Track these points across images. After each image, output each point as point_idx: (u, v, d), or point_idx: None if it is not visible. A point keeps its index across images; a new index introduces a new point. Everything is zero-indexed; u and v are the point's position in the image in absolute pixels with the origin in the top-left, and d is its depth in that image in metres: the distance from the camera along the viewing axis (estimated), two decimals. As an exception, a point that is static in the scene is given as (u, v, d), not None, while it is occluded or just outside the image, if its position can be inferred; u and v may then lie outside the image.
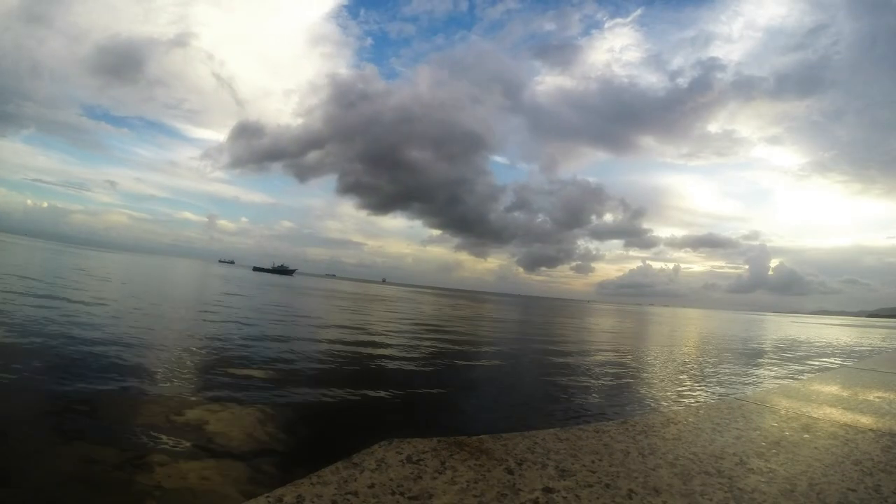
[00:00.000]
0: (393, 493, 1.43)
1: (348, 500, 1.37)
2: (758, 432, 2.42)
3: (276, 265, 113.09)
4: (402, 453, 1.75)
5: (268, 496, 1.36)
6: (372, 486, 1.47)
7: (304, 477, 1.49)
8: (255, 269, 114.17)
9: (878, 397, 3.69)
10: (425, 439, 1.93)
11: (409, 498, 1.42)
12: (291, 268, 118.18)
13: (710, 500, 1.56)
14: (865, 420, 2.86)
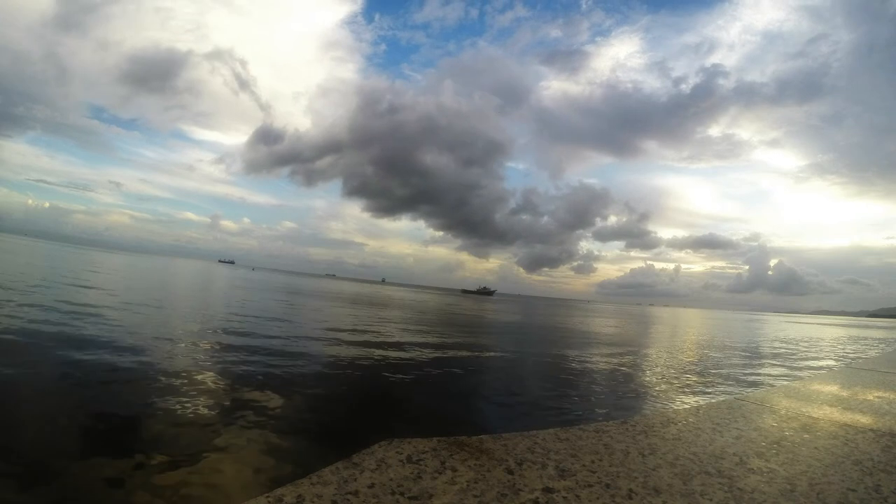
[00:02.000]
0: (393, 493, 1.43)
1: (348, 500, 1.37)
2: (758, 432, 2.42)
3: (480, 287, 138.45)
4: (402, 453, 1.76)
5: (268, 496, 1.36)
6: (372, 486, 1.47)
7: (304, 477, 1.49)
8: (464, 291, 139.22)
9: (878, 397, 3.69)
10: (425, 439, 1.93)
11: (409, 498, 1.42)
12: (492, 289, 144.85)
13: (710, 500, 1.56)
14: (865, 420, 2.86)
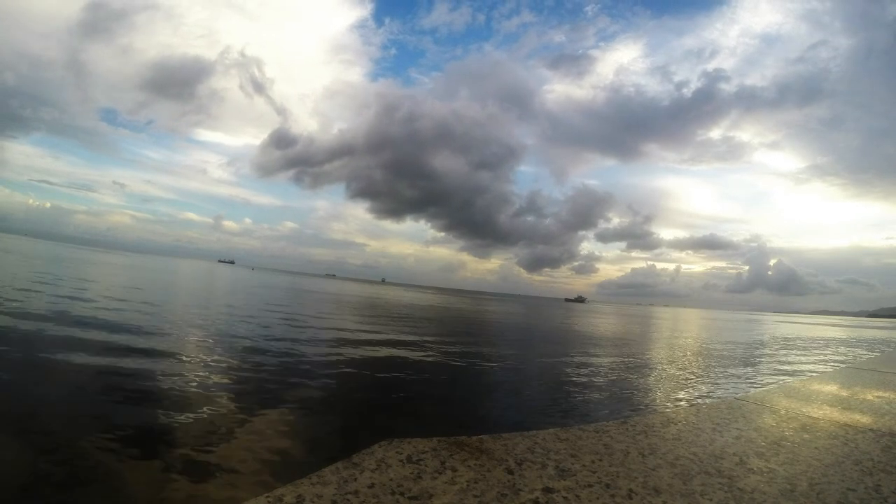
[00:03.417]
0: (393, 493, 1.43)
1: (348, 500, 1.37)
2: (758, 432, 2.42)
3: (576, 297, 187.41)
4: (402, 453, 1.75)
5: (268, 496, 1.35)
6: (372, 486, 1.47)
7: (304, 477, 1.49)
8: (566, 300, 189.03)
9: (878, 397, 3.69)
10: (425, 439, 1.92)
11: (409, 498, 1.42)
12: (584, 297, 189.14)
13: (710, 500, 1.56)
14: (865, 420, 2.86)
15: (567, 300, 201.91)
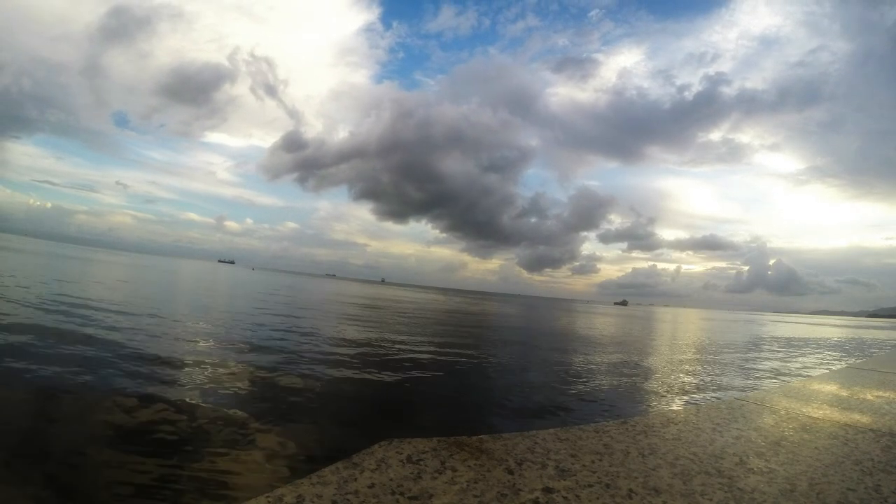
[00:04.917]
0: (393, 493, 1.43)
1: (348, 500, 1.37)
2: (758, 432, 2.42)
3: (620, 301, 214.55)
4: (402, 453, 1.75)
5: (268, 496, 1.35)
6: (372, 486, 1.47)
7: (304, 477, 1.49)
8: (616, 303, 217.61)
9: (878, 397, 3.69)
10: (425, 439, 1.92)
11: (409, 498, 1.42)
12: (626, 299, 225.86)
13: (710, 500, 1.56)
14: (865, 420, 2.86)
15: (615, 303, 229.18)
